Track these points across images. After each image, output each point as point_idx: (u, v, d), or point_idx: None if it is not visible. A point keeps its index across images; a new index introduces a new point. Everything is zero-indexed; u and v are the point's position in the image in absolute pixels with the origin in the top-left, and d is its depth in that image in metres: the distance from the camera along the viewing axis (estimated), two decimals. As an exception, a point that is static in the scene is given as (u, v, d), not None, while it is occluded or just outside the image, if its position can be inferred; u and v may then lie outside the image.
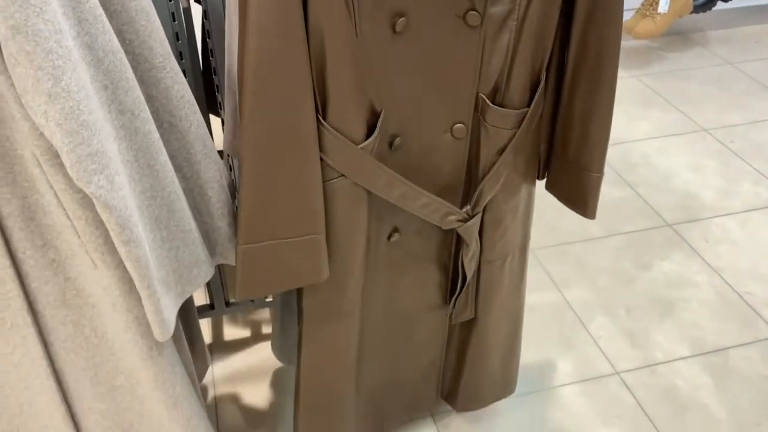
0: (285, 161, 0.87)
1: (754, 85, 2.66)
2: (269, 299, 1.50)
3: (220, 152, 1.60)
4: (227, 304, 1.48)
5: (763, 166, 2.19)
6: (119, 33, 0.71)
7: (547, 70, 1.00)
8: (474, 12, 0.87)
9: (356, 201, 0.97)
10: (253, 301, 1.49)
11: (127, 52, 0.73)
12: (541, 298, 1.72)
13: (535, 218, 1.23)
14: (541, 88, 0.99)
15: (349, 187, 0.95)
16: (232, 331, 1.62)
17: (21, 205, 0.75)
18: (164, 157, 0.78)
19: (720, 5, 2.82)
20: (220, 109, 1.21)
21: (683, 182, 2.13)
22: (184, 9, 1.35)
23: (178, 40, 1.11)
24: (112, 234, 0.73)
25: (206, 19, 1.11)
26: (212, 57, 1.16)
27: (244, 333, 1.62)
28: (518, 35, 0.91)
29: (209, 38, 1.14)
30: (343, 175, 0.93)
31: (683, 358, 1.56)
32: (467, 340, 1.23)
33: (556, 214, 1.91)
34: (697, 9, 2.74)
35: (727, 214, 1.99)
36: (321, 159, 0.90)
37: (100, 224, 0.76)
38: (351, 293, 1.05)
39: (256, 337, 1.61)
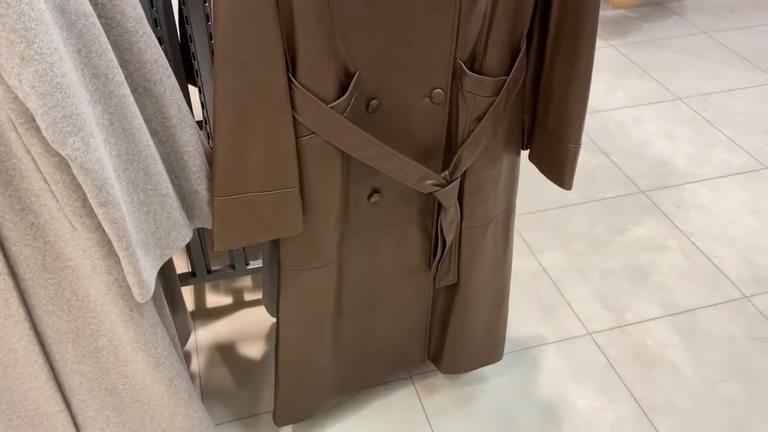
0: (257, 114, 0.89)
1: (729, 54, 2.69)
2: (251, 266, 1.52)
3: (199, 122, 1.61)
4: (209, 271, 1.50)
5: (735, 134, 2.24)
6: (90, -4, 0.72)
7: (529, 39, 1.01)
8: (450, -24, 0.88)
9: (329, 158, 0.98)
10: (234, 267, 1.51)
11: (99, 16, 0.74)
12: (517, 263, 1.76)
13: (516, 186, 1.26)
14: (521, 57, 1.00)
15: (321, 145, 0.96)
16: (214, 299, 1.65)
17: (-2, 169, 0.76)
18: (139, 121, 0.79)
19: (697, -26, 2.84)
20: (197, 77, 1.22)
21: (657, 150, 2.17)
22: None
23: (152, 7, 1.11)
24: (89, 196, 0.74)
25: (180, -15, 1.11)
26: (188, 24, 1.16)
27: (226, 300, 1.64)
28: (495, 2, 0.92)
29: (184, 5, 1.14)
30: (314, 133, 0.95)
31: (653, 319, 1.61)
32: (451, 304, 1.26)
33: (536, 183, 1.94)
34: (674, -22, 2.75)
35: (698, 181, 2.04)
36: (293, 116, 0.92)
37: (77, 187, 0.77)
38: (326, 247, 1.08)
39: (238, 305, 1.63)
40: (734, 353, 1.52)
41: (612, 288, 1.69)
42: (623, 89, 2.47)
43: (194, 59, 1.20)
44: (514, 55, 0.99)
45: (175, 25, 1.16)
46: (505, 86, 1.00)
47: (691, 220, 1.89)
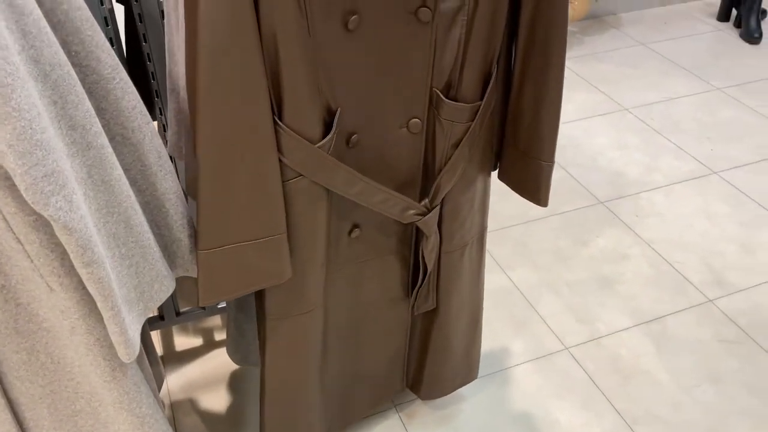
0: (242, 161, 0.85)
1: (666, 63, 2.80)
2: (221, 305, 1.46)
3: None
4: (177, 313, 1.44)
5: (681, 141, 2.32)
6: (65, 44, 0.68)
7: (497, 62, 1.01)
8: (425, 8, 0.88)
9: (316, 199, 0.96)
10: (204, 308, 1.45)
11: (73, 64, 0.69)
12: (488, 280, 1.76)
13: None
14: (492, 81, 1.00)
15: (308, 186, 0.94)
16: (183, 341, 1.58)
17: (-35, 232, 0.70)
18: (118, 171, 0.75)
19: (631, -12, 2.95)
20: (160, 114, 1.17)
21: (610, 161, 2.23)
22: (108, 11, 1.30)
23: (113, 45, 1.06)
24: (72, 256, 0.69)
25: (141, 22, 1.07)
26: (150, 61, 1.12)
27: (196, 342, 1.58)
28: (469, 30, 0.92)
29: (145, 41, 1.09)
30: (301, 175, 0.92)
31: (625, 329, 1.64)
32: (430, 329, 1.25)
33: (496, 198, 1.96)
34: (611, -7, 2.85)
35: (653, 189, 2.10)
36: (279, 159, 0.89)
37: (55, 246, 0.72)
38: (313, 290, 1.05)
39: (209, 345, 1.57)
40: (705, 357, 1.56)
41: (582, 300, 1.71)
42: (572, 102, 2.53)
43: (157, 96, 1.15)
44: (487, 79, 1.00)
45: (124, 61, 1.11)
46: (479, 111, 1.01)
47: (650, 228, 1.94)
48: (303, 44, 0.83)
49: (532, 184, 1.11)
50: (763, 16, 3.09)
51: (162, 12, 1.06)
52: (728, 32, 3.06)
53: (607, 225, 1.96)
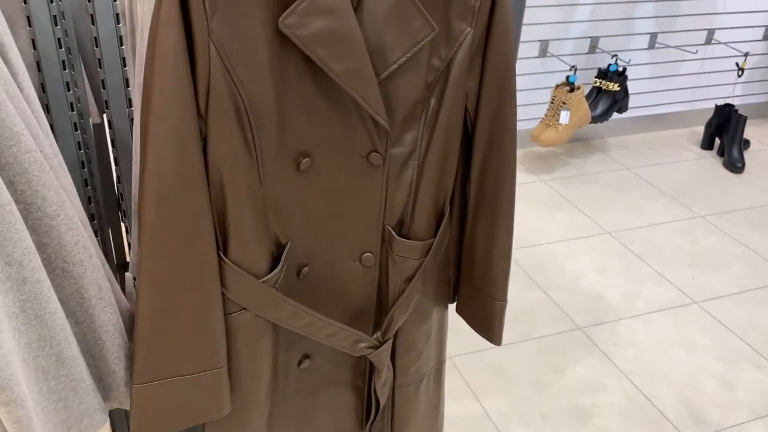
0: (184, 297, 0.85)
1: (650, 189, 2.86)
2: None
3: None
4: (130, 432, 1.39)
5: (663, 268, 2.33)
6: (11, 184, 0.70)
7: (451, 202, 1.04)
8: (376, 153, 0.91)
9: (260, 332, 0.95)
10: None
11: (18, 202, 0.71)
12: (460, 408, 1.71)
13: (452, 327, 1.25)
14: (445, 221, 1.02)
15: (252, 319, 0.93)
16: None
17: None
18: (54, 305, 0.75)
19: (615, 115, 3.06)
20: (127, 233, 1.19)
21: (590, 284, 2.23)
22: (95, 125, 1.35)
23: (83, 168, 1.09)
24: (-10, 393, 0.68)
25: (110, 128, 1.11)
26: (117, 165, 1.15)
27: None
28: (420, 173, 0.95)
29: (116, 165, 1.13)
30: (245, 308, 0.92)
31: (598, 468, 1.57)
32: (382, 467, 1.20)
33: (472, 321, 1.94)
34: (595, 119, 2.96)
35: (633, 316, 2.09)
36: (222, 293, 0.89)
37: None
38: (256, 424, 1.02)
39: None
40: (680, 504, 1.49)
41: (555, 434, 1.66)
42: (555, 223, 2.57)
43: (122, 200, 1.18)
44: (440, 218, 1.02)
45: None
46: (432, 248, 1.02)
47: (628, 358, 1.91)
48: (250, 184, 0.85)
49: (487, 321, 1.11)
50: (746, 146, 3.18)
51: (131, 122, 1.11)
52: (712, 160, 3.14)
53: (585, 352, 1.93)
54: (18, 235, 0.70)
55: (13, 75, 0.75)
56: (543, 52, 2.96)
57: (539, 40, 2.93)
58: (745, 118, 3.07)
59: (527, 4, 2.73)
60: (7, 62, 0.74)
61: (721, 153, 3.17)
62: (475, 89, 0.93)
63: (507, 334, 1.97)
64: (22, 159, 0.70)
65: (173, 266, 0.83)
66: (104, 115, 1.23)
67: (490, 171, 0.99)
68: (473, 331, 1.14)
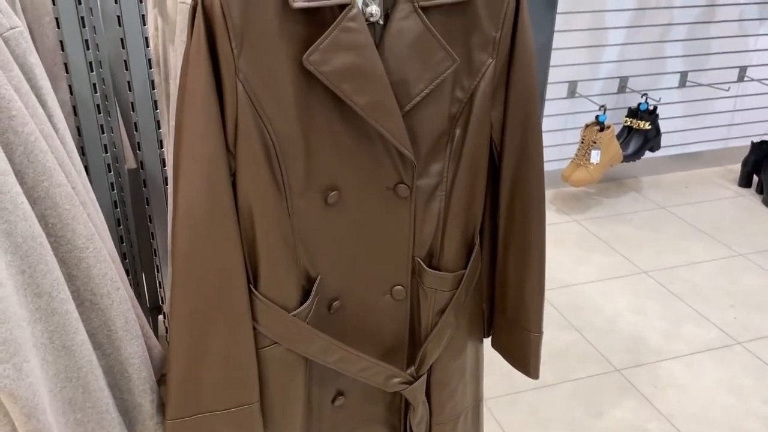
0: (216, 332, 0.86)
1: (687, 227, 2.80)
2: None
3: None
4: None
5: (703, 308, 2.25)
6: (42, 218, 0.72)
7: (481, 233, 1.03)
8: (403, 185, 0.91)
9: (292, 367, 0.94)
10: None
11: (49, 235, 0.73)
12: (493, 453, 1.66)
13: (487, 368, 1.22)
14: (476, 251, 1.01)
15: (284, 354, 0.93)
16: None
17: None
18: (82, 336, 0.76)
19: (648, 154, 3.03)
20: (157, 272, 1.21)
21: (628, 325, 2.16)
22: (131, 170, 1.39)
23: (116, 208, 1.12)
24: (17, 423, 0.69)
25: (145, 187, 1.13)
26: (150, 222, 1.17)
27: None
28: (448, 204, 0.95)
29: (148, 204, 1.15)
30: (276, 342, 0.92)
31: None
32: None
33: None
34: (627, 158, 2.93)
35: (673, 358, 2.01)
36: (253, 327, 0.89)
37: (5, 413, 0.71)
38: None
39: None
40: None
41: (595, 481, 1.59)
42: (589, 263, 2.52)
43: (155, 255, 1.19)
44: (470, 250, 1.01)
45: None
46: (463, 280, 1.01)
47: (669, 401, 1.83)
48: (279, 218, 0.86)
49: (522, 355, 1.08)
50: (785, 183, 3.10)
51: (165, 179, 1.13)
52: (750, 198, 3.07)
53: (624, 395, 1.86)
54: (48, 267, 0.71)
55: (49, 117, 0.77)
56: (572, 93, 2.96)
57: (567, 81, 2.94)
58: (783, 155, 3.01)
59: (555, 46, 2.75)
60: (44, 105, 0.77)
61: (759, 190, 3.10)
62: (499, 119, 0.94)
63: (543, 375, 1.91)
64: (53, 193, 0.72)
65: (205, 300, 0.84)
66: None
67: (518, 201, 0.98)
68: (508, 372, 1.11)
